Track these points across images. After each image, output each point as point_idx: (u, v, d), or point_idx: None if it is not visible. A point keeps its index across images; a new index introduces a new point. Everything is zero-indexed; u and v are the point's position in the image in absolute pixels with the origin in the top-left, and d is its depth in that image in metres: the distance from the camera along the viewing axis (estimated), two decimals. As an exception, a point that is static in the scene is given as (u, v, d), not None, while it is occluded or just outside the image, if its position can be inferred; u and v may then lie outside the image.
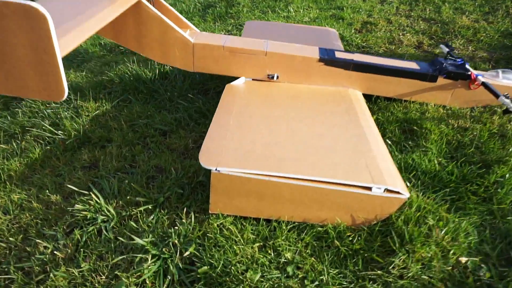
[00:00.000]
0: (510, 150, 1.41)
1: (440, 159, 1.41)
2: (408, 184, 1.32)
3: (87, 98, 2.05)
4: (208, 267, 1.07)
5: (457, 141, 1.51)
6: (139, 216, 1.26)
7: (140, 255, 1.12)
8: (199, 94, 1.99)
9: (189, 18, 3.60)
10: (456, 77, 1.66)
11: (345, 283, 1.04)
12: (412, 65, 1.73)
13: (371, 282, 1.04)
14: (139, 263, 1.10)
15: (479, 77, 1.64)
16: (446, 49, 1.84)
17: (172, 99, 1.98)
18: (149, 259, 1.10)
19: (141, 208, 1.29)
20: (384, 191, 1.12)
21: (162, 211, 1.28)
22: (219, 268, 1.05)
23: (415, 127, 1.58)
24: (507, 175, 1.29)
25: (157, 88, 2.08)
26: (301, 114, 1.48)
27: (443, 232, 1.12)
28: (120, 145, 1.68)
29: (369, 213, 1.17)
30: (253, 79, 1.75)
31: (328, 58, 1.68)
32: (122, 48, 2.90)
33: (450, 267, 1.06)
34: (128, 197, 1.34)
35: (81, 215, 1.28)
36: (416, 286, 1.01)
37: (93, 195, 1.31)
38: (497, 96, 1.54)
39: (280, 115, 1.46)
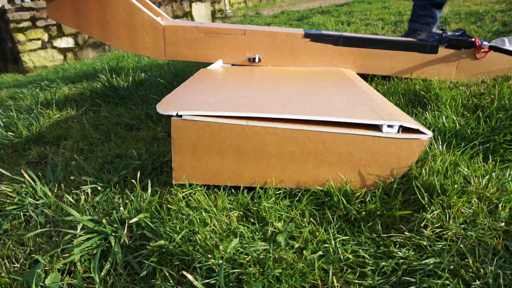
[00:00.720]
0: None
1: (459, 118, 1.15)
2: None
3: (51, 108, 1.83)
4: (166, 241, 0.75)
5: (473, 104, 1.27)
6: (82, 198, 0.96)
7: (72, 231, 0.81)
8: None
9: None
10: (459, 45, 1.47)
11: (361, 251, 0.73)
12: (409, 39, 1.55)
13: (398, 247, 0.73)
14: (68, 243, 0.79)
15: (485, 43, 1.45)
16: (440, 31, 1.68)
17: (145, 99, 1.76)
18: (82, 234, 0.79)
19: (87, 187, 0.99)
20: (398, 131, 0.85)
21: (114, 189, 0.99)
22: (178, 239, 0.74)
23: (422, 93, 1.35)
24: (547, 123, 1.03)
25: (130, 94, 1.87)
26: (288, 81, 1.25)
27: (484, 181, 0.84)
28: (78, 140, 1.41)
29: (382, 167, 0.88)
30: (232, 65, 1.55)
31: (314, 34, 1.50)
32: (99, 74, 2.75)
33: (503, 223, 0.76)
34: (72, 178, 1.05)
35: (8, 201, 0.98)
36: (461, 249, 0.71)
37: (26, 177, 1.02)
38: (510, 53, 1.34)
39: (262, 81, 1.23)
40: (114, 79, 2.00)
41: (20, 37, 4.67)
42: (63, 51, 5.00)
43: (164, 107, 0.88)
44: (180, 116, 0.86)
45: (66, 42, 5.02)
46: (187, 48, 1.54)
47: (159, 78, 2.01)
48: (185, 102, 0.93)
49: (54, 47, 4.91)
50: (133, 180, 1.00)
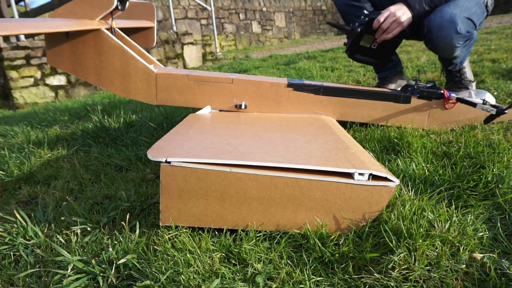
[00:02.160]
0: (501, 149, 1.28)
1: (428, 165, 1.25)
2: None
3: (43, 147, 1.88)
4: (151, 282, 0.80)
5: (442, 151, 1.37)
6: (72, 239, 1.00)
7: (61, 271, 0.84)
8: (165, 133, 1.86)
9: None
10: (429, 96, 1.61)
11: (333, 291, 0.79)
12: (384, 89, 1.69)
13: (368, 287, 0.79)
14: (57, 283, 0.83)
15: (453, 95, 1.59)
16: (413, 82, 1.83)
17: (135, 141, 1.83)
18: (71, 274, 0.83)
19: (77, 228, 1.04)
20: (368, 178, 0.94)
21: (103, 230, 1.03)
22: (163, 279, 0.79)
23: (396, 140, 1.46)
24: (505, 172, 1.13)
25: (120, 135, 1.94)
26: (271, 128, 1.35)
27: (447, 226, 0.91)
28: (68, 180, 1.46)
29: (355, 211, 0.96)
30: (220, 110, 1.65)
31: (297, 83, 1.62)
32: (91, 114, 2.83)
33: (464, 265, 0.83)
34: (62, 218, 1.09)
35: (-1, 241, 1.02)
36: (426, 289, 0.77)
37: (18, 216, 1.06)
38: (474, 105, 1.47)
39: (247, 127, 1.33)
40: (106, 120, 2.07)
41: (13, 74, 4.77)
42: (55, 88, 5.10)
43: (154, 153, 0.95)
44: (169, 162, 0.93)
45: (58, 80, 5.13)
46: (177, 94, 1.64)
47: (150, 120, 2.10)
48: (174, 149, 1.00)
49: (46, 84, 5.02)
50: (122, 222, 1.05)
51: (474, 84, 2.35)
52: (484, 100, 1.43)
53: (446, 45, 1.96)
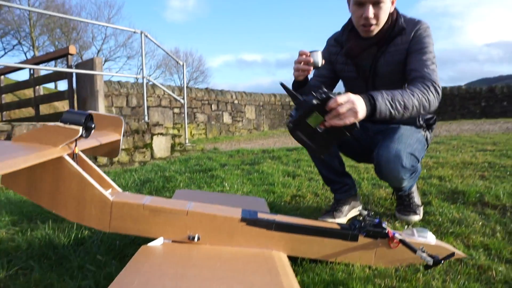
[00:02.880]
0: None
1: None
2: None
3: (-21, 267, 1.76)
4: None
5: (386, 301, 1.41)
6: None
7: None
8: (113, 259, 1.80)
9: (125, 191, 3.62)
10: (375, 235, 1.70)
11: None
12: (334, 226, 1.77)
13: None
14: None
15: (396, 235, 1.69)
16: (364, 212, 1.94)
17: (82, 266, 1.76)
18: None
19: None
20: None
21: None
22: None
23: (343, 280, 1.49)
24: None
25: (68, 254, 1.87)
26: (218, 275, 1.35)
27: None
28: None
29: None
30: (172, 241, 1.65)
31: (250, 218, 1.67)
32: (44, 215, 2.73)
33: None
34: None
35: None
36: None
37: None
38: (414, 251, 1.55)
39: (194, 275, 1.32)
40: (56, 236, 2.01)
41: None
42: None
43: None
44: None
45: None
46: (131, 223, 1.65)
47: (103, 237, 2.05)
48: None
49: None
50: None
51: (421, 208, 2.52)
52: (422, 249, 1.53)
53: (394, 178, 2.14)
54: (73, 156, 1.70)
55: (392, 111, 1.69)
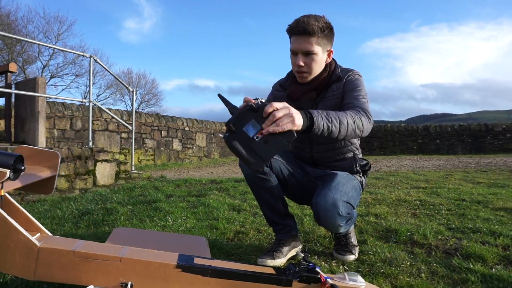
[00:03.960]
0: None
1: None
2: None
3: None
4: None
5: None
6: None
7: None
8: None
9: (61, 224, 3.43)
10: (308, 280, 1.76)
11: None
12: (269, 270, 1.80)
13: None
14: None
15: (328, 280, 1.76)
16: (301, 255, 2.00)
17: (-1, 316, 1.63)
18: None
19: None
20: None
21: None
22: None
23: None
24: None
25: (-14, 302, 1.72)
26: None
27: None
28: None
29: None
30: (104, 288, 1.59)
31: (185, 265, 1.66)
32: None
33: None
34: None
35: None
36: None
37: None
38: (343, 298, 1.63)
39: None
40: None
41: None
42: None
43: None
44: None
45: None
46: (59, 270, 1.57)
47: (28, 281, 1.92)
48: None
49: None
50: None
51: (357, 248, 2.64)
52: (350, 295, 1.61)
53: (331, 225, 2.24)
54: (-1, 198, 1.61)
55: (329, 124, 1.73)
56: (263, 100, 2.15)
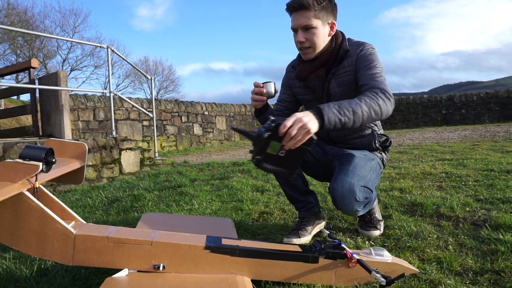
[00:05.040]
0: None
1: None
2: None
3: None
4: None
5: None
6: None
7: None
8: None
9: (92, 212, 3.57)
10: (334, 256, 1.78)
11: None
12: (296, 248, 1.84)
13: None
14: None
15: (354, 255, 1.78)
16: (327, 232, 2.02)
17: (44, 300, 1.74)
18: None
19: None
20: None
21: None
22: None
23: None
24: None
25: (31, 286, 1.84)
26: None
27: None
28: None
29: None
30: (138, 271, 1.67)
31: (214, 246, 1.72)
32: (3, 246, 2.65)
33: None
34: None
35: None
36: None
37: None
38: (369, 271, 1.65)
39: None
40: (18, 269, 1.97)
41: None
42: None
43: None
44: None
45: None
46: (95, 256, 1.65)
47: (67, 267, 2.03)
48: None
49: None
50: None
51: (382, 222, 2.64)
52: (376, 269, 1.62)
53: (349, 210, 2.23)
54: (34, 190, 1.69)
55: (341, 118, 1.74)
56: (272, 83, 2.17)
